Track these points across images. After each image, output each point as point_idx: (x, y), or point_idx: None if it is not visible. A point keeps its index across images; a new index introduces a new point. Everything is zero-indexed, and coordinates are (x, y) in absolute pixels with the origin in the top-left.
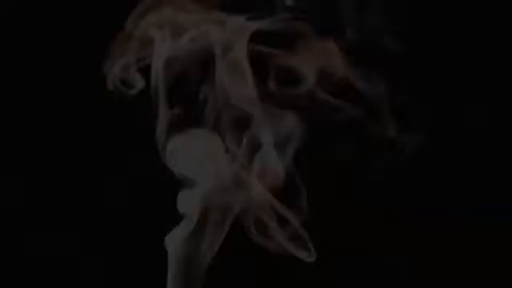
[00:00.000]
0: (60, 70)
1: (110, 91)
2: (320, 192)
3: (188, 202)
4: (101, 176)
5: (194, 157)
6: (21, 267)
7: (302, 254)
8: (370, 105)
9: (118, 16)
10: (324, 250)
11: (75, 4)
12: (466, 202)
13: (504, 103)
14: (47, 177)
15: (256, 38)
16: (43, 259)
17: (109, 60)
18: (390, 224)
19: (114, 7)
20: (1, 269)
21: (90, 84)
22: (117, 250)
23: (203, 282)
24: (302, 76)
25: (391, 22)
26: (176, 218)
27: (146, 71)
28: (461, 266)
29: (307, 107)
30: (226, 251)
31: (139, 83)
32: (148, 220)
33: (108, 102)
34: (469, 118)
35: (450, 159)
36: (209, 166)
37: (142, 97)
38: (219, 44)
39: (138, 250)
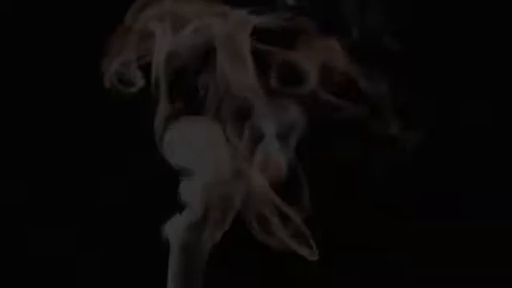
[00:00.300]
0: (59, 68)
1: (108, 89)
2: (322, 190)
3: (190, 191)
4: (100, 175)
5: (194, 146)
6: (21, 267)
7: (304, 252)
8: (372, 103)
9: (118, 10)
10: (325, 248)
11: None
12: (467, 200)
13: (504, 101)
14: (46, 176)
15: (258, 35)
16: (43, 259)
17: (107, 57)
18: (391, 222)
19: (113, 1)
20: (1, 269)
21: (89, 82)
22: (116, 249)
23: (204, 274)
24: (304, 74)
25: (392, 22)
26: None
27: (145, 68)
28: (461, 264)
29: (309, 106)
30: (228, 247)
31: (140, 81)
32: (147, 218)
33: (107, 101)
34: (469, 116)
35: (451, 157)
36: (209, 156)
37: (141, 94)
38: (221, 36)
39: (137, 248)
